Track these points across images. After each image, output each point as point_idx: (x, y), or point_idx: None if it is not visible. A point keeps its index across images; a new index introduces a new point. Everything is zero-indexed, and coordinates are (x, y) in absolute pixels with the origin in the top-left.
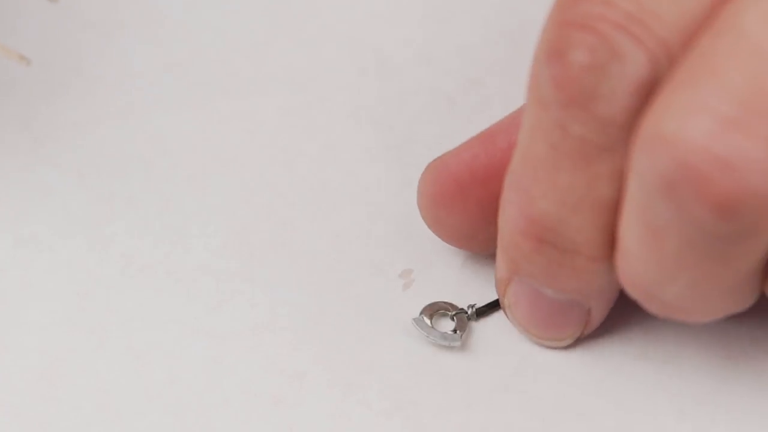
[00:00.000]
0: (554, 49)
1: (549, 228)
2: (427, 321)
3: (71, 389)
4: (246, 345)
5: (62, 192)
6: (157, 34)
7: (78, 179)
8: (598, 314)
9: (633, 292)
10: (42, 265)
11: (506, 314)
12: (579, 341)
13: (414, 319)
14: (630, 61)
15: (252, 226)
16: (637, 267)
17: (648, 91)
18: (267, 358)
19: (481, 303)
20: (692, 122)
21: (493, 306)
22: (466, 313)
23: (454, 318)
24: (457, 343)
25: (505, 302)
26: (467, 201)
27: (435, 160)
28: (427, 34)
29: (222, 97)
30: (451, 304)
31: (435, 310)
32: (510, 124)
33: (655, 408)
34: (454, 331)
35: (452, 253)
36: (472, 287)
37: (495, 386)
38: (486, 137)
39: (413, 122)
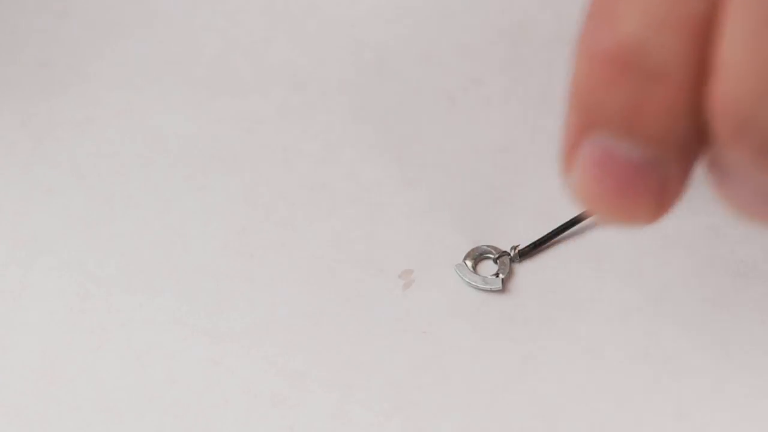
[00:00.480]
0: None
1: (636, 49)
2: (469, 266)
3: (71, 390)
4: (245, 345)
5: (61, 191)
6: (157, 33)
7: (77, 179)
8: (674, 186)
9: (725, 121)
10: (41, 265)
11: (572, 195)
12: (576, 340)
13: (456, 266)
14: None
15: (251, 226)
16: (737, 81)
17: None
18: (266, 358)
19: (524, 244)
20: None
21: (537, 245)
22: (509, 254)
23: (497, 261)
24: (498, 287)
25: (575, 183)
26: None
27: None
28: (427, 33)
29: (221, 96)
30: (495, 247)
31: (478, 254)
32: None
33: (654, 408)
34: (496, 275)
35: (452, 253)
36: (472, 287)
37: (496, 387)
38: None
39: (413, 121)
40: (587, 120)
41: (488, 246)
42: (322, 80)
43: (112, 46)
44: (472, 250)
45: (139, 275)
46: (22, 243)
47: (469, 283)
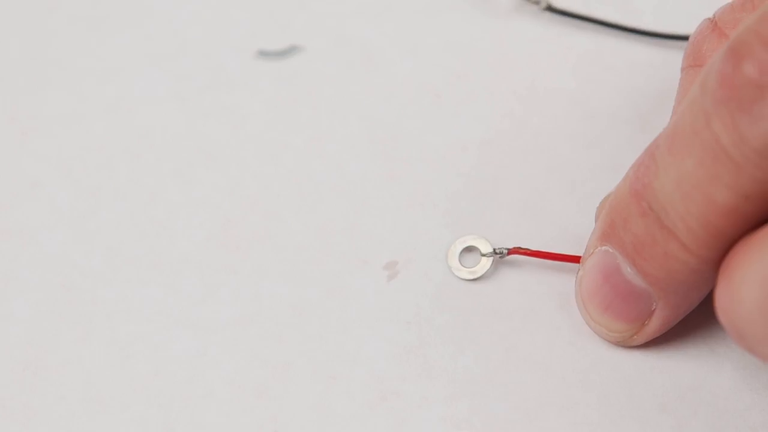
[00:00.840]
0: (736, 49)
1: (660, 202)
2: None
3: (56, 381)
4: (230, 336)
5: (48, 185)
6: (144, 27)
7: (64, 172)
8: (658, 320)
9: (725, 324)
10: (28, 257)
11: (576, 288)
12: (558, 332)
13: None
14: None
15: (237, 218)
16: (744, 312)
17: None
18: (251, 349)
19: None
20: None
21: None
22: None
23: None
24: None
25: (581, 272)
26: None
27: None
28: (414, 28)
29: (208, 90)
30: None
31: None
32: None
33: (638, 402)
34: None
35: (436, 245)
36: (456, 279)
37: (478, 378)
38: None
39: (399, 116)
40: (608, 232)
41: (474, 237)
42: (308, 75)
43: (100, 40)
44: (459, 240)
45: (125, 268)
46: (8, 235)
47: (454, 274)
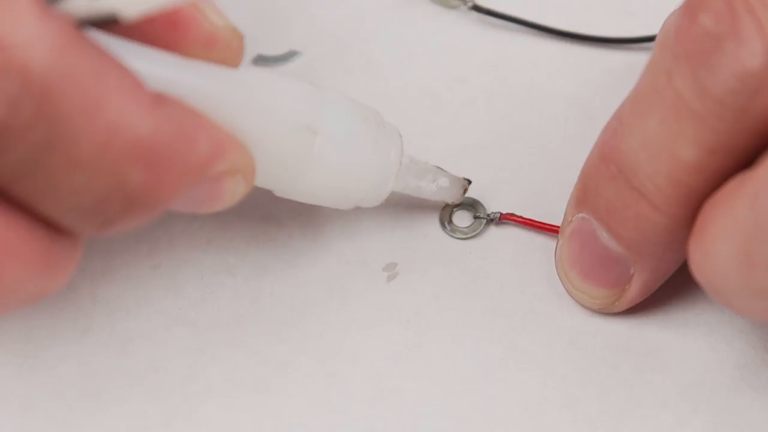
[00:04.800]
0: (691, 2)
1: (628, 163)
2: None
3: (55, 377)
4: (229, 335)
5: None
6: None
7: None
8: (636, 285)
9: (700, 279)
10: None
11: (555, 257)
12: (558, 331)
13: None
14: (746, 45)
15: (237, 220)
16: (717, 266)
17: (757, 84)
18: (250, 347)
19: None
20: None
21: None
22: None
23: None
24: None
25: (560, 241)
26: None
27: None
28: (413, 33)
29: None
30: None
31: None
32: None
33: (638, 399)
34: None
35: (435, 247)
36: (455, 279)
37: (478, 375)
38: None
39: (398, 119)
40: (582, 199)
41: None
42: (307, 79)
43: None
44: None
45: (124, 267)
46: None
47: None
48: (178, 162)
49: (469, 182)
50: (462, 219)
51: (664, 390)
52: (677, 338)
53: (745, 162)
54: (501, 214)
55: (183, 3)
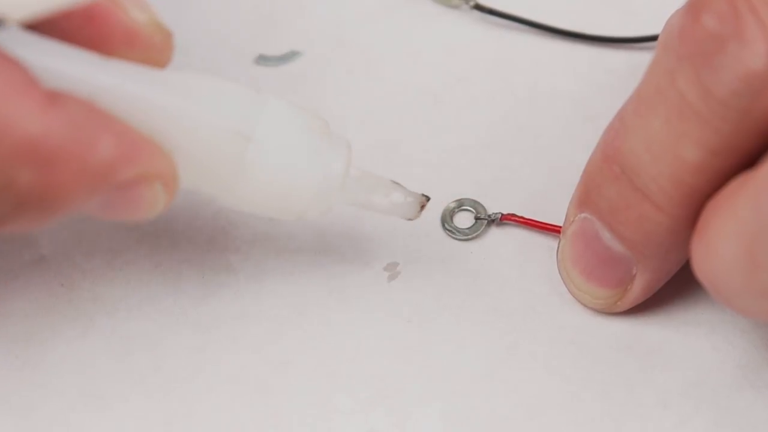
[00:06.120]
0: (694, 3)
1: (631, 164)
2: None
3: (56, 377)
4: (231, 334)
5: None
6: None
7: None
8: (639, 285)
9: (701, 279)
10: (28, 256)
11: (557, 257)
12: (560, 329)
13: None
14: (749, 46)
15: (238, 220)
16: (720, 266)
17: (761, 85)
18: (251, 346)
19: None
20: None
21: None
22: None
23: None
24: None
25: (562, 241)
26: None
27: None
28: (413, 33)
29: None
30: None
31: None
32: None
33: (640, 399)
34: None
35: (436, 247)
36: (456, 278)
37: (479, 375)
38: None
39: (398, 119)
40: (585, 199)
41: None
42: (308, 79)
43: None
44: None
45: (126, 267)
46: (9, 236)
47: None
48: (73, 164)
49: (428, 199)
50: (463, 220)
51: (665, 389)
52: (679, 338)
53: (748, 162)
54: (502, 214)
55: (82, 2)
